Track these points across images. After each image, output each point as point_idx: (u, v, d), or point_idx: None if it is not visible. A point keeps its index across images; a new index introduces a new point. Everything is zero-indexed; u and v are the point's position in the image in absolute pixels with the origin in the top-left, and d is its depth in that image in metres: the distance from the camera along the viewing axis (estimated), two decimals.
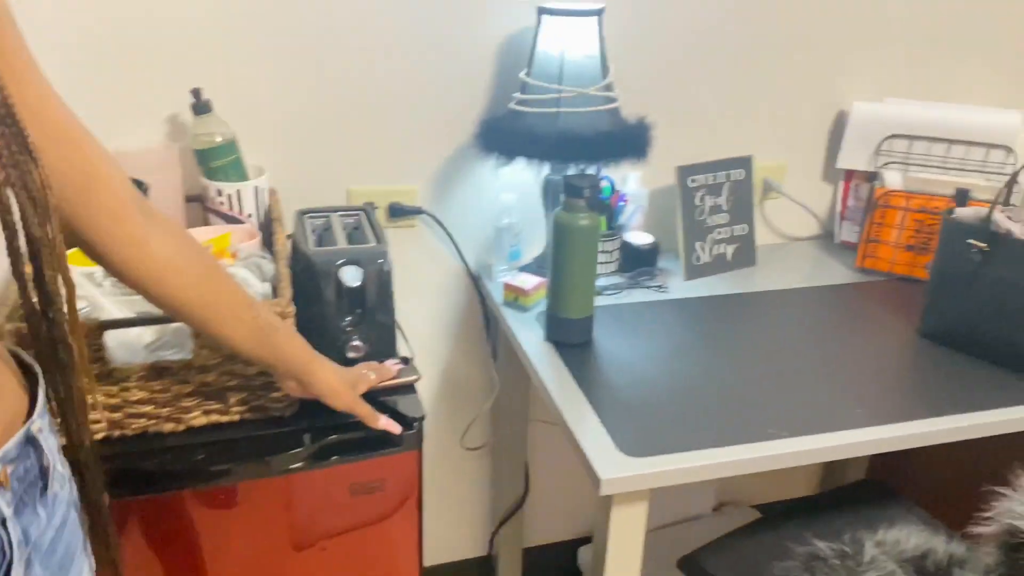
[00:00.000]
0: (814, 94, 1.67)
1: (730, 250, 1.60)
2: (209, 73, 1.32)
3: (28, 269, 0.62)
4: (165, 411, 1.00)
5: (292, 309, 1.00)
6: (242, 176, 1.28)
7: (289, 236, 1.23)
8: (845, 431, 1.09)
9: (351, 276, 1.11)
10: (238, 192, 1.25)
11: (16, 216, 0.59)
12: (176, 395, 1.00)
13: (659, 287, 1.51)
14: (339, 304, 1.12)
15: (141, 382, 0.98)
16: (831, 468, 2.03)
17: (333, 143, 1.43)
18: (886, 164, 1.63)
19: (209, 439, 1.02)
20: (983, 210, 1.27)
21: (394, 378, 1.08)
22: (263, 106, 1.37)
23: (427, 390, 1.67)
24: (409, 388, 1.13)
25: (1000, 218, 1.24)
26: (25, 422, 0.62)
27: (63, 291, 0.64)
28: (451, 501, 1.81)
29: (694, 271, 1.55)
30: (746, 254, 1.62)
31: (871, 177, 1.67)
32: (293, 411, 1.06)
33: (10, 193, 0.57)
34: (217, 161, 1.25)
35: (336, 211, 1.28)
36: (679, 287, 1.52)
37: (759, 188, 1.71)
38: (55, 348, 0.66)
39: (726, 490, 2.01)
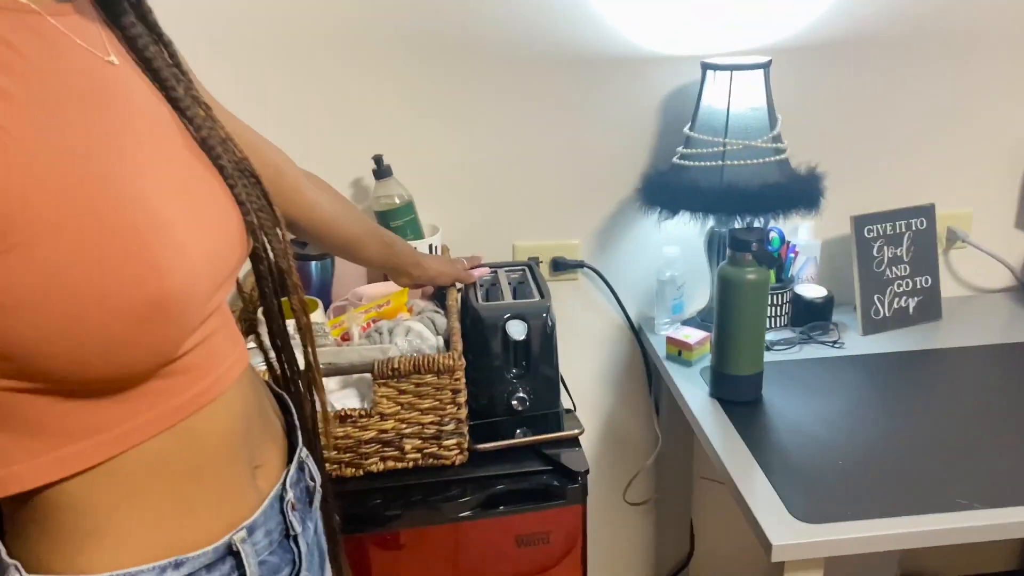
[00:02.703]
0: (1002, 135, 1.56)
1: (912, 303, 1.51)
2: (389, 140, 1.43)
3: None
4: (347, 456, 1.07)
5: (463, 362, 1.04)
6: (418, 234, 1.36)
7: (459, 291, 1.29)
8: None
9: (516, 330, 1.14)
10: (415, 249, 1.33)
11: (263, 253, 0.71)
12: (357, 441, 1.06)
13: (834, 343, 1.44)
14: (505, 357, 1.16)
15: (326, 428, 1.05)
16: None
17: (500, 201, 1.49)
18: None
19: (385, 484, 1.08)
20: None
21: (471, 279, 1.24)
22: (437, 169, 1.46)
23: (590, 443, 1.67)
24: (573, 441, 1.15)
25: None
26: (290, 450, 0.72)
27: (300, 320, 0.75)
28: (614, 556, 1.79)
29: (872, 325, 1.48)
30: (930, 307, 1.52)
31: None
32: (464, 460, 1.10)
33: (262, 236, 0.67)
34: (396, 221, 1.34)
35: (503, 266, 1.33)
36: (856, 343, 1.45)
37: (943, 237, 1.61)
38: (297, 380, 0.77)
39: (911, 561, 1.86)
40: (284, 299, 0.73)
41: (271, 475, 0.68)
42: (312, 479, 0.75)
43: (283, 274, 0.70)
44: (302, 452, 0.73)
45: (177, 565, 0.56)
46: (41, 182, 0.46)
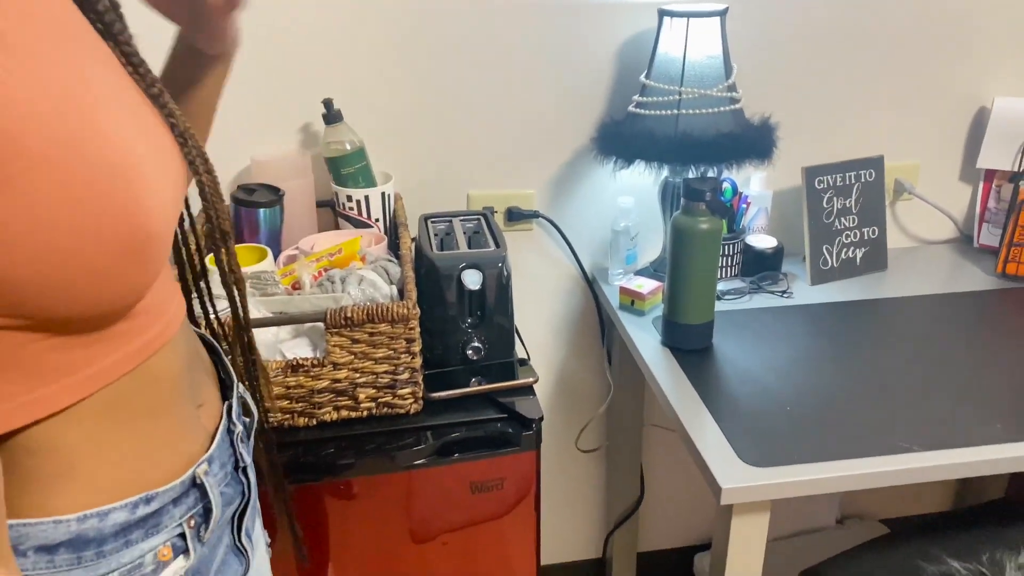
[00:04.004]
0: (950, 90, 1.59)
1: (859, 254, 1.54)
2: (339, 84, 1.39)
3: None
4: (299, 406, 1.06)
5: (417, 311, 1.04)
6: (370, 182, 1.34)
7: (413, 240, 1.28)
8: (982, 446, 1.04)
9: (472, 279, 1.14)
10: (366, 198, 1.31)
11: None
12: (309, 391, 1.05)
13: (783, 292, 1.47)
14: (460, 306, 1.15)
15: (278, 378, 1.04)
16: (966, 486, 1.92)
17: (454, 150, 1.47)
18: None
19: (339, 434, 1.08)
20: None
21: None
22: (389, 116, 1.43)
23: (543, 392, 1.69)
24: (527, 390, 1.15)
25: None
26: (224, 387, 0.75)
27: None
28: (566, 502, 1.83)
29: (821, 275, 1.51)
30: (877, 258, 1.56)
31: (1014, 177, 1.57)
32: (418, 409, 1.10)
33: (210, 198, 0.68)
34: (347, 168, 1.31)
35: (457, 216, 1.32)
36: (804, 292, 1.47)
37: (890, 189, 1.64)
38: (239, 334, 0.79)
39: (851, 503, 1.93)
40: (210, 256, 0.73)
41: (212, 412, 0.70)
42: (247, 414, 0.78)
43: (225, 235, 0.71)
44: (239, 387, 0.76)
45: (148, 500, 0.58)
46: (27, 117, 0.46)
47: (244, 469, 0.71)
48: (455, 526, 1.14)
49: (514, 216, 1.52)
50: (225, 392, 0.75)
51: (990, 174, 1.62)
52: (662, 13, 1.32)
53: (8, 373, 0.50)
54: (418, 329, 1.05)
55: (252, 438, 0.78)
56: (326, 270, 1.15)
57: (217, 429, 0.69)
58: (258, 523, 0.80)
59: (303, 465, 1.06)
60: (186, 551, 0.62)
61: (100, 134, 0.50)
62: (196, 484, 0.63)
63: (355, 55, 1.38)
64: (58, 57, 0.50)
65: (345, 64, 1.38)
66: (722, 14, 1.30)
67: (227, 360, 0.77)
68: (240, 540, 0.71)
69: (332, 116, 1.32)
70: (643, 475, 1.78)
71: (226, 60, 0.77)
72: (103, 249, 0.49)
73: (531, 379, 1.15)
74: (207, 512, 0.64)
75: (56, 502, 0.54)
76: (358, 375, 1.06)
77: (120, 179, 0.50)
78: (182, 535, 0.62)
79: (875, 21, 1.51)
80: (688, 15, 1.29)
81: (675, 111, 1.30)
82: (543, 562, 1.88)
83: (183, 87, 0.76)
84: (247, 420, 0.77)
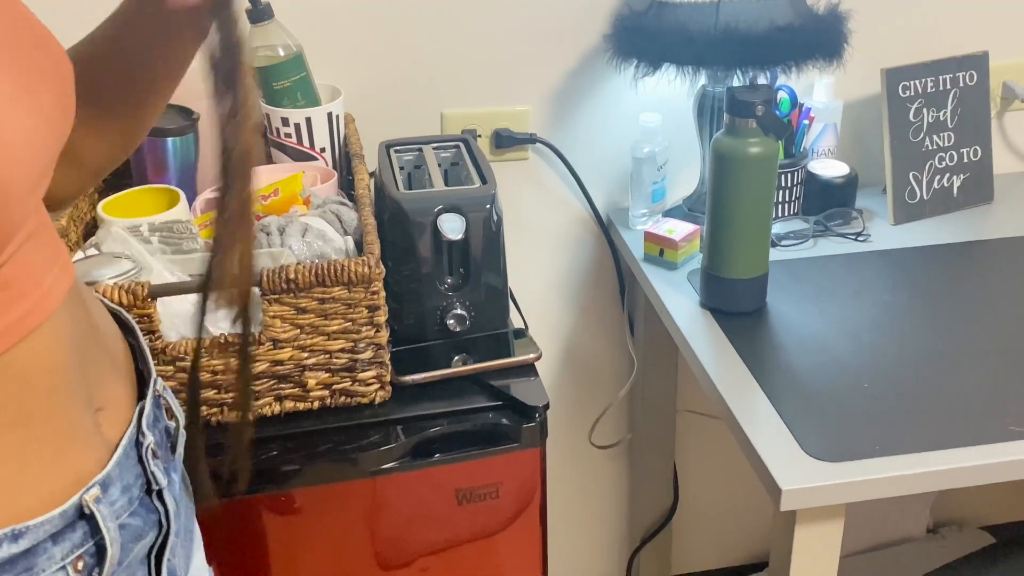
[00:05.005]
0: None
1: (957, 181, 1.55)
2: None
3: None
4: (230, 396, 1.07)
5: (381, 270, 1.04)
6: (312, 100, 1.33)
7: (372, 175, 1.27)
8: None
9: (451, 227, 1.14)
10: (308, 120, 1.31)
11: None
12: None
13: (858, 235, 1.48)
14: (437, 262, 1.16)
15: (201, 361, 1.04)
16: None
17: (421, 55, 1.46)
18: None
19: (282, 431, 1.08)
20: None
21: None
22: (336, 10, 1.41)
23: (547, 373, 1.70)
24: (528, 369, 1.16)
25: None
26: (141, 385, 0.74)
27: None
28: (580, 513, 1.85)
29: (907, 212, 1.52)
30: (980, 187, 1.57)
31: None
32: (386, 397, 1.11)
33: None
34: (281, 81, 1.31)
35: (429, 142, 1.32)
36: (886, 234, 1.49)
37: (996, 96, 1.65)
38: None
39: (946, 507, 1.97)
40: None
41: (118, 418, 0.69)
42: (173, 418, 0.77)
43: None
44: (157, 384, 0.75)
45: (15, 537, 0.57)
46: None
47: (159, 493, 0.70)
48: (437, 547, 1.15)
49: (503, 141, 1.52)
50: (141, 390, 0.73)
51: None
52: None
53: None
54: (383, 294, 1.06)
55: (178, 449, 0.77)
56: (259, 217, 1.15)
57: (120, 442, 0.67)
58: (196, 560, 0.79)
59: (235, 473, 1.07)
60: None
61: None
62: (84, 515, 0.62)
63: None
64: None
65: None
66: None
67: (143, 341, 0.76)
68: None
69: (259, 13, 1.30)
70: (676, 476, 1.80)
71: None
72: None
73: (532, 355, 1.17)
74: (101, 551, 0.63)
75: None
76: (306, 355, 1.07)
77: None
78: None
79: None
80: None
81: None
82: None
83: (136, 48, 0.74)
84: (170, 425, 0.77)
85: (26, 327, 0.58)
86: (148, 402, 0.72)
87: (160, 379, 0.77)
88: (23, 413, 0.59)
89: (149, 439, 0.70)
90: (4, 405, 0.57)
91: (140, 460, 0.69)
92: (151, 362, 0.75)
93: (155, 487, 0.70)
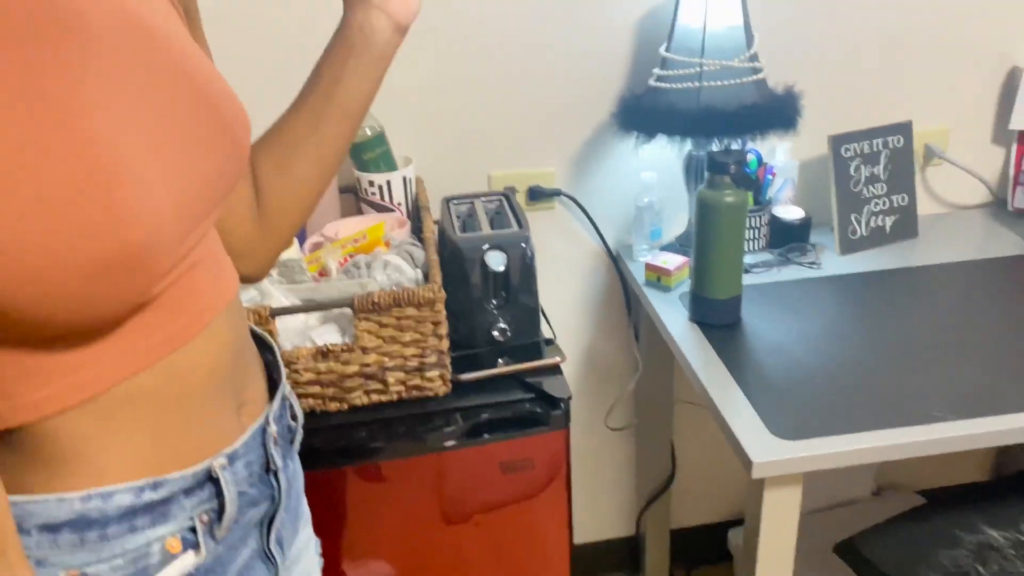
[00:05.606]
0: (980, 51, 1.56)
1: (889, 222, 1.52)
2: None
3: None
4: (330, 391, 1.08)
5: (443, 294, 1.05)
6: (391, 166, 1.35)
7: (436, 223, 1.28)
8: (1019, 414, 1.03)
9: (495, 261, 1.15)
10: (388, 182, 1.32)
11: None
12: (340, 376, 1.07)
13: (812, 263, 1.46)
14: (485, 288, 1.16)
15: (308, 364, 1.06)
16: (1004, 454, 1.90)
17: (474, 130, 1.47)
18: None
19: (370, 418, 1.09)
20: None
21: None
22: (408, 98, 1.43)
23: (571, 371, 1.69)
24: (555, 369, 1.16)
25: None
26: (272, 388, 0.72)
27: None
28: (598, 481, 1.84)
29: (850, 245, 1.50)
30: (907, 225, 1.54)
31: None
32: (447, 391, 1.12)
33: None
34: (368, 153, 1.32)
35: (479, 197, 1.32)
36: (833, 263, 1.47)
37: (920, 155, 1.62)
38: None
39: (886, 474, 1.92)
40: None
41: (254, 412, 0.68)
42: (294, 418, 0.75)
43: None
44: (285, 388, 0.74)
45: (156, 486, 0.57)
46: None
47: (275, 473, 0.69)
48: (487, 507, 1.15)
49: (536, 195, 1.52)
50: (272, 392, 0.72)
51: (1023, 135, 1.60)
52: None
53: (6, 371, 0.49)
54: (444, 312, 1.06)
55: (295, 442, 0.76)
56: (351, 256, 1.16)
57: (251, 427, 0.67)
58: (303, 532, 0.77)
59: (336, 449, 1.08)
60: (196, 546, 0.60)
61: (78, 138, 0.46)
62: (212, 478, 0.61)
63: None
64: (29, 53, 0.46)
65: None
66: None
67: (279, 357, 0.75)
68: (269, 547, 0.68)
69: None
70: (674, 452, 1.78)
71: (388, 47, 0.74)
72: (74, 270, 0.46)
73: (558, 358, 1.16)
74: (222, 509, 0.61)
75: (59, 481, 0.53)
76: (387, 359, 1.07)
77: (92, 188, 0.46)
78: (193, 529, 0.59)
79: None
80: None
81: (696, 84, 1.30)
82: (576, 541, 1.90)
83: (338, 80, 0.73)
84: (292, 424, 0.75)
85: (180, 341, 0.57)
86: (277, 401, 0.71)
87: (288, 385, 0.75)
88: (177, 399, 0.58)
89: (273, 428, 0.69)
90: (162, 394, 0.57)
91: (263, 444, 0.68)
92: (284, 371, 0.74)
93: (272, 467, 0.68)
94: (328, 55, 0.76)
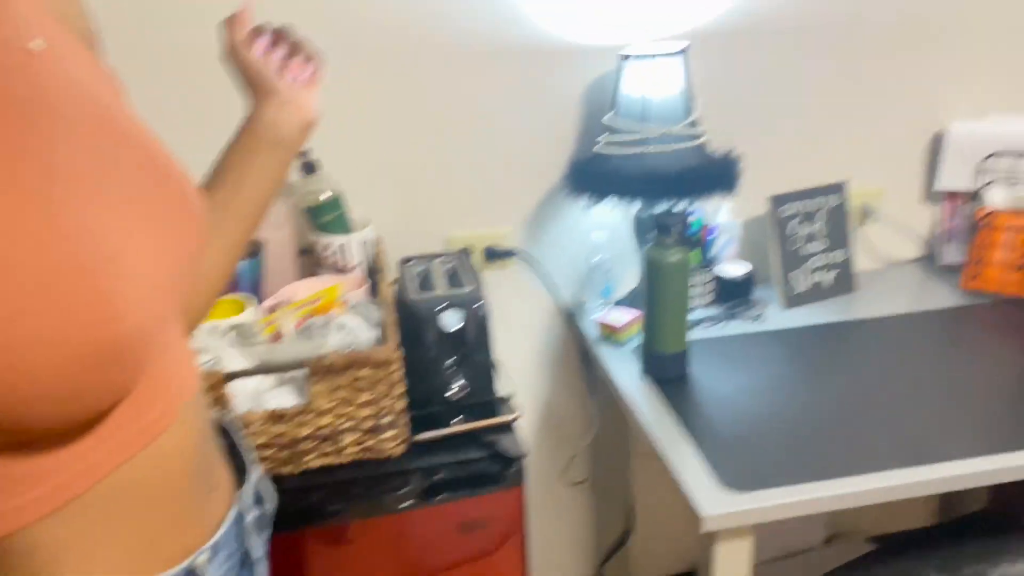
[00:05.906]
0: (909, 115, 1.64)
1: (828, 278, 1.57)
2: (316, 135, 1.41)
3: None
4: (284, 454, 1.07)
5: (399, 355, 1.05)
6: (348, 229, 1.36)
7: (393, 283, 1.29)
8: (961, 460, 1.06)
9: (451, 320, 1.16)
10: (343, 245, 1.33)
11: None
12: (293, 440, 1.06)
13: (756, 318, 1.50)
14: (440, 346, 1.17)
15: (262, 427, 1.05)
16: (948, 499, 1.94)
17: (430, 193, 1.50)
18: (989, 183, 1.57)
19: (325, 480, 1.08)
20: None
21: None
22: (364, 163, 1.45)
23: (528, 427, 1.70)
24: (510, 427, 1.17)
25: None
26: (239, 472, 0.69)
27: None
28: (556, 536, 1.83)
29: (791, 300, 1.54)
30: (845, 281, 1.59)
31: (974, 197, 1.62)
32: (403, 451, 1.11)
33: None
34: (325, 217, 1.33)
35: (436, 257, 1.34)
36: (776, 317, 1.50)
37: (856, 213, 1.68)
38: None
39: (837, 522, 1.94)
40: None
41: (224, 498, 0.65)
42: (267, 504, 0.73)
43: None
44: (257, 474, 0.71)
45: None
46: None
47: (253, 565, 0.66)
48: (445, 566, 1.14)
49: (492, 255, 1.54)
50: (240, 476, 0.69)
51: (952, 194, 1.67)
52: (622, 57, 1.36)
53: None
54: (400, 372, 1.07)
55: (270, 528, 0.73)
56: (308, 318, 1.17)
57: (227, 516, 0.63)
58: None
59: (292, 512, 1.06)
60: None
61: (65, 228, 0.44)
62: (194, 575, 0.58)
63: (330, 107, 1.40)
64: (2, 136, 0.44)
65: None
66: (681, 54, 1.34)
67: (243, 441, 0.72)
68: None
69: (308, 167, 1.34)
70: (633, 505, 1.78)
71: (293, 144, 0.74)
72: (69, 363, 0.44)
73: (512, 415, 1.17)
74: None
75: None
76: (342, 420, 1.07)
77: (84, 280, 0.44)
78: None
79: (833, 54, 1.56)
80: (648, 57, 1.33)
81: (640, 149, 1.34)
82: None
83: (244, 175, 0.72)
84: (267, 507, 0.72)
85: (161, 426, 0.54)
86: (251, 486, 0.68)
87: (259, 467, 0.72)
88: (160, 491, 0.55)
89: (249, 516, 0.66)
90: (147, 486, 0.54)
91: (240, 536, 0.65)
92: (253, 454, 0.70)
93: (252, 557, 0.66)
94: (234, 149, 0.75)
